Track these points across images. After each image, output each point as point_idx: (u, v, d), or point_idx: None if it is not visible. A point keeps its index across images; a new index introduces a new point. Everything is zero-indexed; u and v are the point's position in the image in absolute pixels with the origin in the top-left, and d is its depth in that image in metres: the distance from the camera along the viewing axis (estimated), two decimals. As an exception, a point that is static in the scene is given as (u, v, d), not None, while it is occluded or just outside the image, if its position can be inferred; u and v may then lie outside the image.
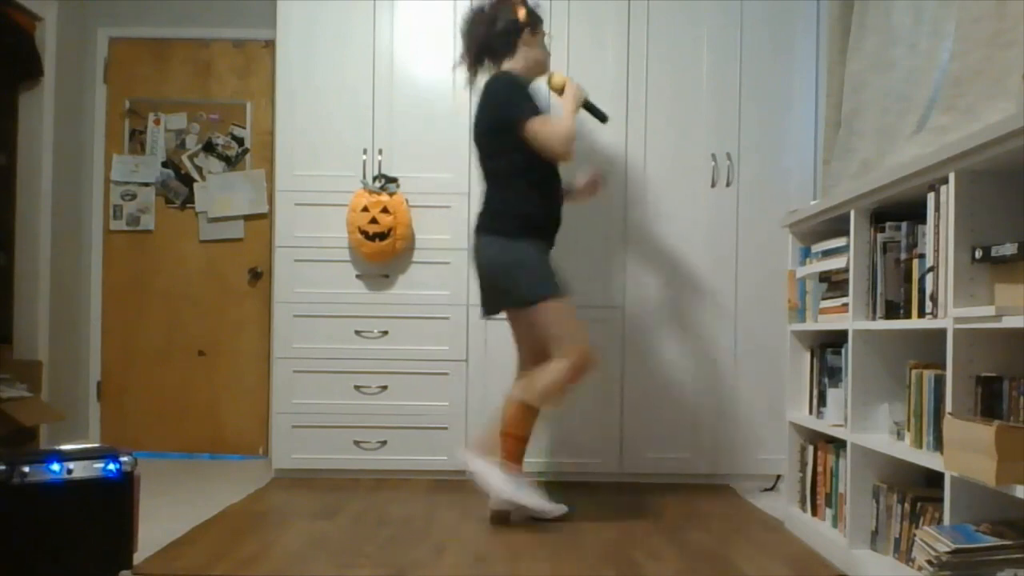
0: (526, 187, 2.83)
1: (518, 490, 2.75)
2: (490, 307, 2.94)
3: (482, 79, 2.93)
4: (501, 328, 3.49)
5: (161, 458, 4.02)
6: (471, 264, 2.95)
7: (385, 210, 3.38)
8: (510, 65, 2.89)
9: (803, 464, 2.77)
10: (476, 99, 2.92)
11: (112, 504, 2.05)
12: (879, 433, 2.29)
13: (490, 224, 2.85)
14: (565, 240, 3.49)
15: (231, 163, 4.14)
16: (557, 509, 2.84)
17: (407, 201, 3.45)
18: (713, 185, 3.52)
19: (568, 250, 3.50)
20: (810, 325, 2.71)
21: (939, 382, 1.94)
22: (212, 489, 3.32)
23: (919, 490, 2.14)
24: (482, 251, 2.85)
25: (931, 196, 1.93)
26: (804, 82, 3.53)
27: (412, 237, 3.50)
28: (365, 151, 3.52)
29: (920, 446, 2.02)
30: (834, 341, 2.66)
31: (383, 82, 3.53)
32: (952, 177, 1.81)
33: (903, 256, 2.15)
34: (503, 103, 2.81)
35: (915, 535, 1.90)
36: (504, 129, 2.81)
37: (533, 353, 2.91)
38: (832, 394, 2.56)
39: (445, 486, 3.41)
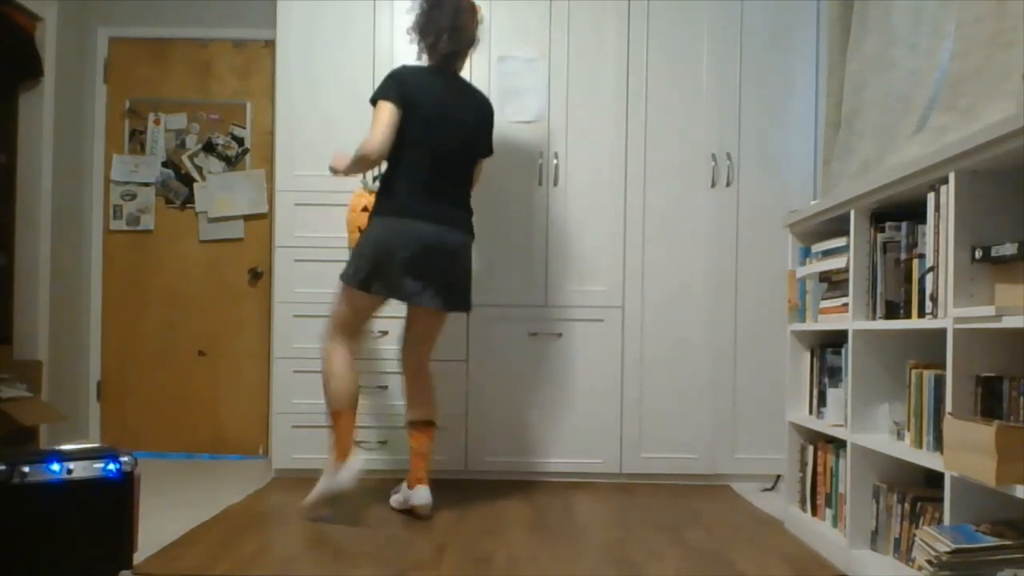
0: None
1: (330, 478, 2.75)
2: (454, 302, 2.88)
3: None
4: (501, 328, 3.49)
5: (161, 458, 4.02)
6: (433, 255, 2.77)
7: (385, 210, 3.38)
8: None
9: (803, 464, 2.78)
10: (463, 98, 2.90)
11: (112, 504, 2.05)
12: (879, 433, 2.29)
13: (471, 227, 2.93)
14: (565, 240, 3.51)
15: (231, 163, 4.14)
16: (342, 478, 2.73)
17: (407, 201, 3.45)
18: (713, 185, 3.52)
19: (568, 250, 3.51)
20: (810, 325, 2.71)
21: (939, 382, 1.94)
22: (212, 489, 3.32)
23: (919, 490, 2.14)
24: (470, 253, 2.91)
25: (931, 196, 1.93)
26: (804, 82, 3.53)
27: (412, 237, 3.50)
28: (365, 151, 3.52)
29: (920, 446, 2.02)
30: (834, 341, 2.66)
31: (383, 82, 3.53)
32: (952, 177, 1.81)
33: (903, 256, 2.16)
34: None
35: (915, 535, 1.90)
36: (485, 151, 3.01)
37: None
38: (832, 394, 2.56)
39: (445, 486, 3.41)
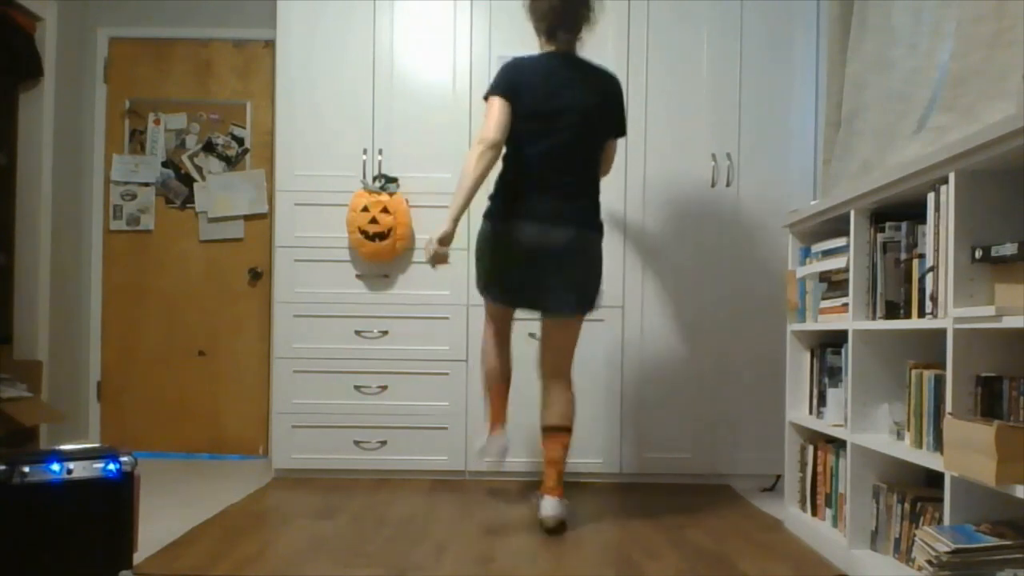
0: None
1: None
2: (559, 304, 2.73)
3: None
4: (501, 328, 3.49)
5: (161, 458, 4.02)
6: (534, 256, 2.66)
7: (385, 210, 3.38)
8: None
9: (803, 464, 2.77)
10: (578, 77, 2.72)
11: (112, 504, 2.05)
12: (879, 433, 2.29)
13: (597, 221, 2.76)
14: (565, 240, 3.50)
15: (231, 163, 4.14)
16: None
17: (407, 201, 3.45)
18: (713, 185, 3.52)
19: (568, 250, 3.50)
20: (810, 325, 2.71)
21: (939, 382, 1.94)
22: (212, 489, 3.32)
23: (919, 490, 2.14)
24: (594, 246, 2.73)
25: (931, 196, 1.93)
26: (804, 82, 3.53)
27: (412, 237, 3.50)
28: (365, 151, 3.52)
29: (920, 446, 2.02)
30: (834, 341, 2.66)
31: (383, 82, 3.53)
32: (952, 177, 1.81)
33: (903, 256, 2.16)
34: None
35: (915, 535, 1.90)
36: (613, 131, 2.84)
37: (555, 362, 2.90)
38: (832, 394, 2.56)
39: (445, 486, 3.41)
